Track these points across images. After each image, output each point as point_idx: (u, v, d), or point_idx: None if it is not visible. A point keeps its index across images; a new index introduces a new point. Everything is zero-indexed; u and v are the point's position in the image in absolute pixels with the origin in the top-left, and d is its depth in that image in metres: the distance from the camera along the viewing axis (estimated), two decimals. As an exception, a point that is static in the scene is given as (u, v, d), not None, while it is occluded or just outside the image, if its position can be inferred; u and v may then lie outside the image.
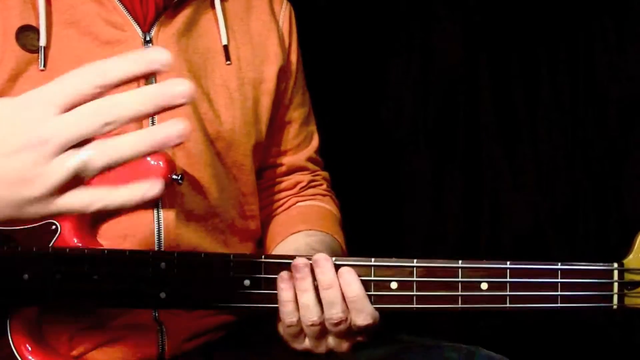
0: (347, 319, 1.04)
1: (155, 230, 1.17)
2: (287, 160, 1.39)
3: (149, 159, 1.12)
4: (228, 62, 1.25)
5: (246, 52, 1.29)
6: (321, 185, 1.43)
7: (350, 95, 2.30)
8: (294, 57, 1.38)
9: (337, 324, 1.04)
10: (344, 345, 1.08)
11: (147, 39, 1.20)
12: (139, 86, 1.15)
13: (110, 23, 1.19)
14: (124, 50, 1.18)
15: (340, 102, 2.26)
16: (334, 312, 1.03)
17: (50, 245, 1.11)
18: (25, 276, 1.10)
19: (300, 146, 1.40)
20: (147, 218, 1.17)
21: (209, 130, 1.23)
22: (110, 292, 1.09)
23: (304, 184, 1.40)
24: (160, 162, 1.13)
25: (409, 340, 1.15)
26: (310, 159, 1.41)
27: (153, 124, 1.17)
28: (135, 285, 1.09)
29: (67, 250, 1.10)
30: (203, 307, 1.09)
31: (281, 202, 1.39)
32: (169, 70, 1.17)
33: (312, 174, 1.42)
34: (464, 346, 1.11)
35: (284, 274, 1.05)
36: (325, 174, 1.45)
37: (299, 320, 1.05)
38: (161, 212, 1.17)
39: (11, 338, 1.12)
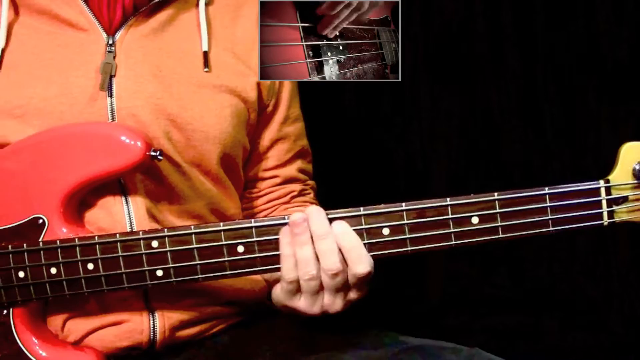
0: (344, 270, 1.05)
1: (126, 216, 1.16)
2: (281, 172, 1.38)
3: (124, 138, 1.11)
4: (206, 70, 1.23)
5: (227, 60, 1.25)
6: (309, 194, 1.44)
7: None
8: None
9: (334, 275, 1.05)
10: (338, 303, 1.08)
11: (110, 42, 1.18)
12: (95, 86, 1.16)
13: (73, 25, 1.17)
14: (85, 53, 1.17)
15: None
16: (332, 262, 1.04)
17: (40, 239, 1.11)
18: (21, 274, 1.11)
19: (293, 159, 1.39)
20: (116, 206, 1.16)
21: (178, 135, 1.20)
22: (107, 278, 1.09)
23: (295, 193, 1.40)
24: (138, 143, 1.11)
25: (408, 341, 1.15)
26: (301, 170, 1.41)
27: (113, 120, 1.16)
28: (131, 267, 1.09)
29: (58, 242, 1.10)
30: (203, 279, 1.09)
31: (272, 209, 1.39)
32: (131, 72, 1.17)
33: (303, 184, 1.43)
34: (464, 348, 1.12)
35: (286, 229, 1.06)
36: (312, 183, 1.46)
37: (297, 277, 1.06)
38: (129, 198, 1.16)
39: (17, 335, 1.13)
